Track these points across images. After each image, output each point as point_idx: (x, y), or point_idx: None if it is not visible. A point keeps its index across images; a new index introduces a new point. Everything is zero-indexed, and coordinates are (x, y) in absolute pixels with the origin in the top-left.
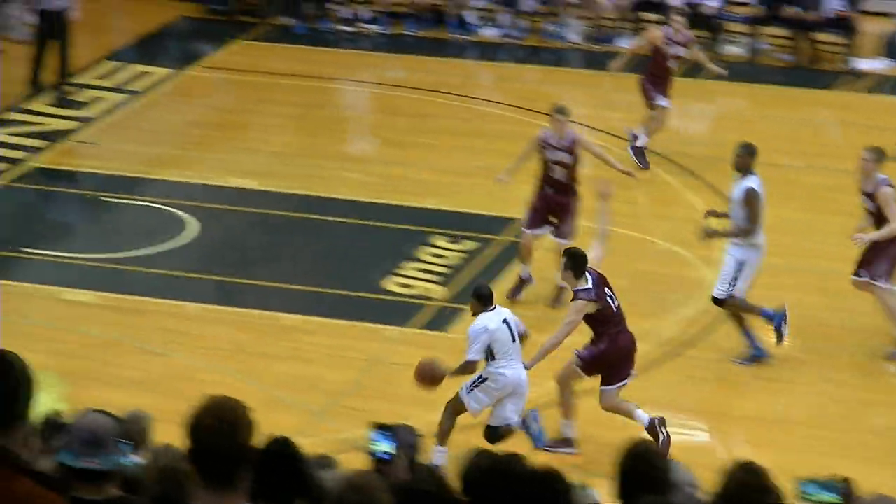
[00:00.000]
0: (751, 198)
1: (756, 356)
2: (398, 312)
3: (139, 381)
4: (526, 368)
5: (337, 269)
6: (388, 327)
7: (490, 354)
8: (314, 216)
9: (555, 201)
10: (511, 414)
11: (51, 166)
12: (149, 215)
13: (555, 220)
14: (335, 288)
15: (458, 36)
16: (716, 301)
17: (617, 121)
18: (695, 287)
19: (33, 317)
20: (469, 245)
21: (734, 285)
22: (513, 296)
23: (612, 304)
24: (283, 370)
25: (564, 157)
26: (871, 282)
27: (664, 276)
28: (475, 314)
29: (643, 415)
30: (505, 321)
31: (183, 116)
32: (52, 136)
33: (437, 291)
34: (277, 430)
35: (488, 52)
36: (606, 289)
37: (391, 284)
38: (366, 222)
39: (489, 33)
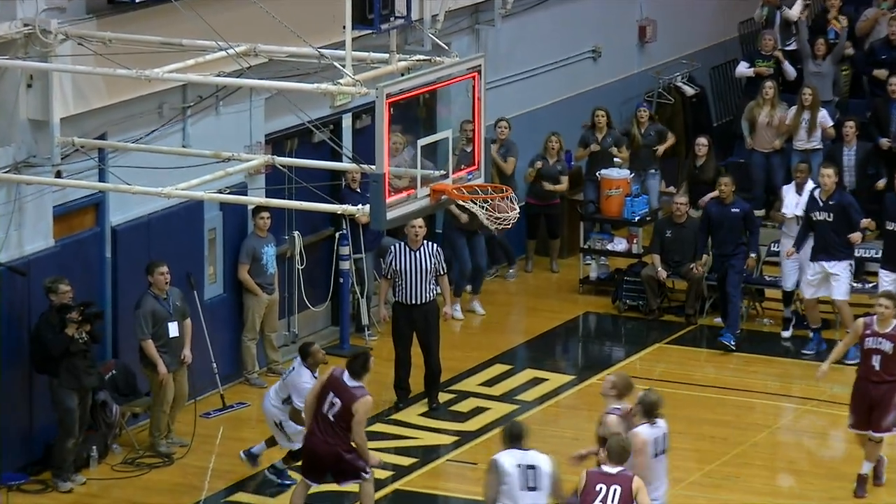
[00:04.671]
0: None
1: None
2: None
3: None
4: None
5: None
6: None
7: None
8: None
9: None
10: None
11: (417, 490)
12: None
13: None
14: None
15: None
16: None
17: None
18: None
19: None
20: None
21: None
22: None
23: (321, 410)
24: None
25: None
26: None
27: None
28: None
29: None
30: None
31: (583, 433)
32: (422, 454)
33: None
34: None
35: None
36: (331, 394)
37: None
38: None
39: None
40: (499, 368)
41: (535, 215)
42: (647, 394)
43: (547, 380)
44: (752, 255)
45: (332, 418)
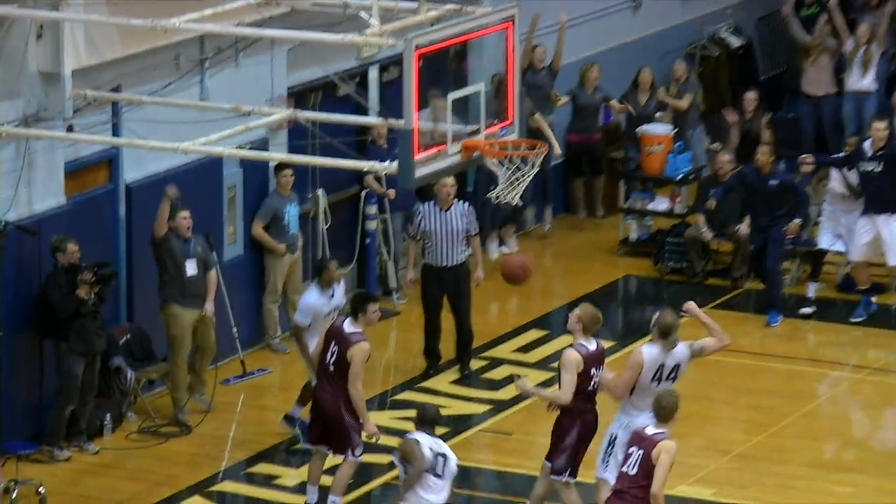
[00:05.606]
0: None
1: None
2: None
3: None
4: None
5: None
6: None
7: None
8: None
9: None
10: None
11: None
12: None
13: None
14: None
15: None
16: None
17: None
18: None
19: None
20: None
21: None
22: None
23: (325, 361)
24: None
25: None
26: None
27: None
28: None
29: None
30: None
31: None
32: (454, 424)
33: None
34: None
35: None
36: (332, 343)
37: None
38: None
39: None
40: (534, 334)
41: (576, 153)
42: (663, 314)
43: None
44: (797, 220)
45: (331, 368)
